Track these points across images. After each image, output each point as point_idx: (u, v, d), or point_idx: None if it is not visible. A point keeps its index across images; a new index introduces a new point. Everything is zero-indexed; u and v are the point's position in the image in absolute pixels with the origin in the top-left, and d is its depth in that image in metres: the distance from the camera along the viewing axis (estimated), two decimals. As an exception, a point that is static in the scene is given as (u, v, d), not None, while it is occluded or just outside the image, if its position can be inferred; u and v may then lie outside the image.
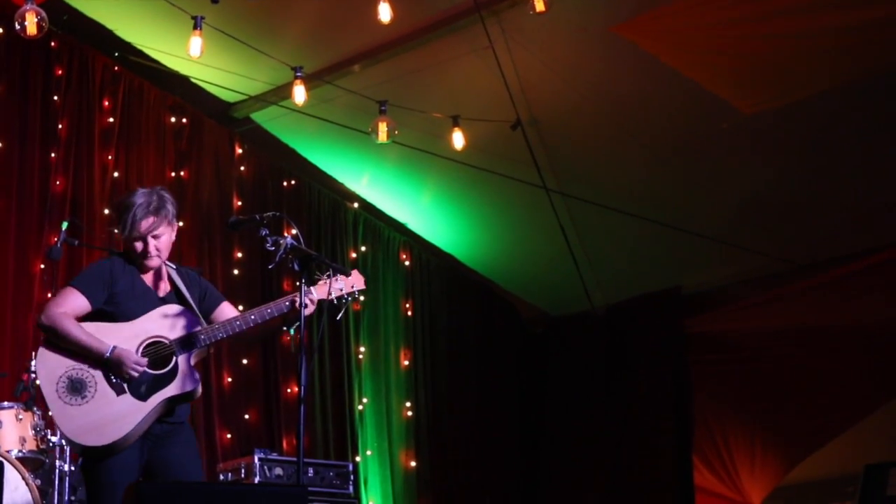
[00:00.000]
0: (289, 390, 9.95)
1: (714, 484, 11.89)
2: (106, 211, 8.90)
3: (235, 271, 9.78)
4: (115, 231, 5.54)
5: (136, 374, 5.11)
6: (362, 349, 10.89)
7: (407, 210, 11.39)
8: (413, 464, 11.10)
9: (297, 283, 5.27)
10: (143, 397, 5.13)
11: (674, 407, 11.80)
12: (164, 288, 5.45)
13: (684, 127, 9.89)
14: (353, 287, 5.52)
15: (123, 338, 5.18)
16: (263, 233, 5.28)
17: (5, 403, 6.76)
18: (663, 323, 12.06)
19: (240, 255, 9.73)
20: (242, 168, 10.16)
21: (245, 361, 9.61)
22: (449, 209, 11.36)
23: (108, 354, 5.10)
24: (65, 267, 8.41)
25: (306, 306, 5.29)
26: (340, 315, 5.61)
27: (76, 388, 5.12)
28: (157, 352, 5.22)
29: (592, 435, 12.25)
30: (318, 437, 10.17)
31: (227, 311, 5.55)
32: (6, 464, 6.04)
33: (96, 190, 8.89)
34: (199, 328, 5.29)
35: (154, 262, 5.38)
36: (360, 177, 10.93)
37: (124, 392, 5.12)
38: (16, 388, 6.97)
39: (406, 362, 11.39)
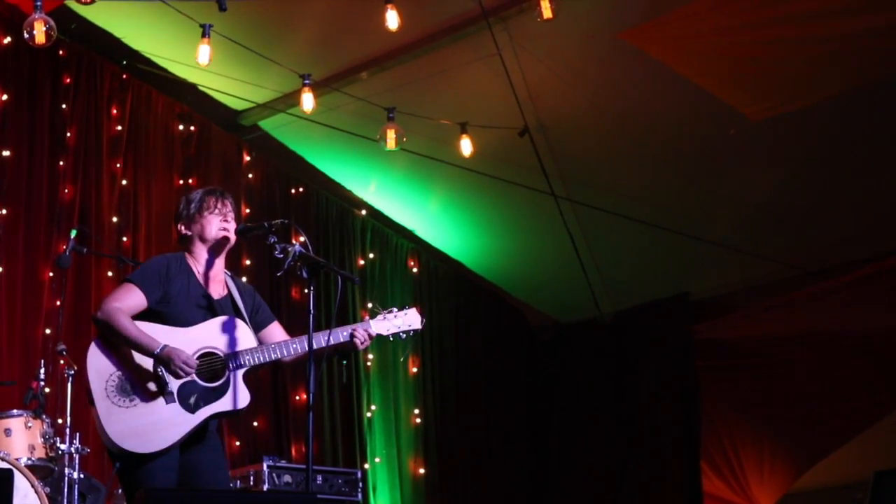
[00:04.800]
0: (297, 398, 9.95)
1: (723, 490, 11.87)
2: (115, 219, 8.91)
3: (244, 279, 9.70)
4: (181, 229, 5.51)
5: (182, 374, 5.04)
6: (370, 356, 10.88)
7: (415, 217, 11.39)
8: (421, 471, 11.10)
9: (305, 290, 5.25)
10: (191, 409, 5.09)
11: (682, 413, 11.78)
12: (220, 291, 5.42)
13: (692, 133, 9.89)
14: (409, 326, 5.55)
15: (178, 343, 5.12)
16: (272, 240, 5.25)
17: (14, 411, 6.75)
18: (671, 329, 12.05)
19: (248, 262, 9.72)
20: (250, 175, 10.17)
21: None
22: (457, 216, 11.37)
23: (157, 351, 5.04)
24: (73, 275, 8.42)
25: (363, 342, 5.32)
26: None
27: (125, 389, 5.07)
28: (211, 364, 5.17)
29: (601, 441, 12.24)
30: (327, 445, 10.16)
31: (275, 331, 5.51)
32: (16, 471, 6.02)
33: (105, 198, 8.89)
34: (254, 345, 5.25)
35: (230, 235, 5.39)
36: (368, 184, 10.94)
37: (173, 401, 5.07)
38: (25, 397, 6.96)
39: (414, 369, 11.39)
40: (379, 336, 5.47)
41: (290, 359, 5.34)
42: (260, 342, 5.37)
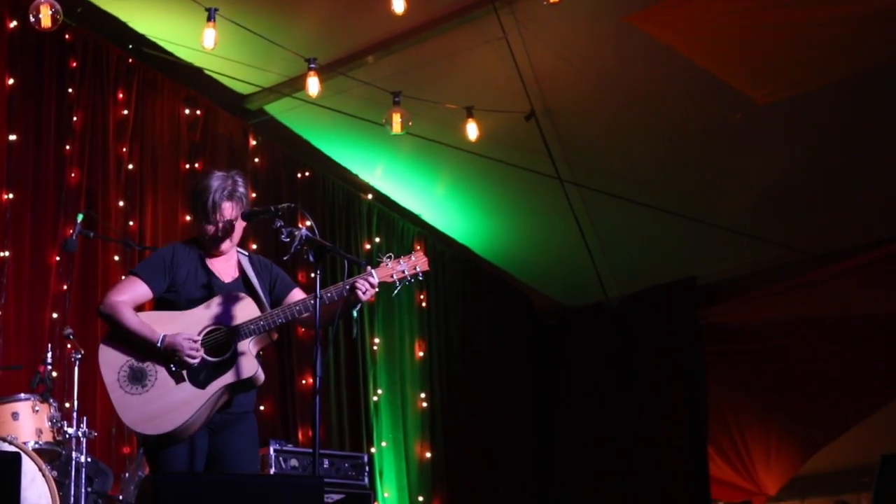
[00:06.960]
0: (304, 382, 9.96)
1: (729, 474, 11.89)
2: (121, 203, 8.92)
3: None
4: (191, 217, 5.52)
5: (193, 362, 5.10)
6: (377, 340, 10.89)
7: (421, 201, 11.38)
8: (428, 455, 11.11)
9: (312, 274, 5.24)
10: (202, 385, 5.13)
11: (688, 397, 11.78)
12: (232, 274, 5.43)
13: (699, 117, 9.87)
14: (415, 269, 5.42)
15: (183, 325, 5.18)
16: (278, 224, 5.24)
17: (22, 395, 6.77)
18: (678, 314, 12.03)
19: (254, 246, 9.71)
20: (256, 160, 10.17)
21: (260, 352, 9.61)
22: (463, 200, 11.36)
23: (159, 345, 5.10)
24: (80, 259, 8.44)
25: (365, 291, 5.25)
26: (395, 292, 5.53)
27: (137, 377, 5.13)
28: (216, 339, 5.21)
29: (606, 425, 12.24)
30: (334, 429, 10.18)
31: (297, 296, 5.49)
32: (23, 455, 6.04)
33: (111, 182, 8.91)
34: (258, 314, 5.26)
35: (225, 245, 5.40)
36: (375, 168, 10.93)
37: (184, 380, 5.13)
38: (32, 381, 6.99)
39: (421, 353, 11.40)
40: (384, 283, 5.39)
41: (306, 316, 5.30)
42: None
